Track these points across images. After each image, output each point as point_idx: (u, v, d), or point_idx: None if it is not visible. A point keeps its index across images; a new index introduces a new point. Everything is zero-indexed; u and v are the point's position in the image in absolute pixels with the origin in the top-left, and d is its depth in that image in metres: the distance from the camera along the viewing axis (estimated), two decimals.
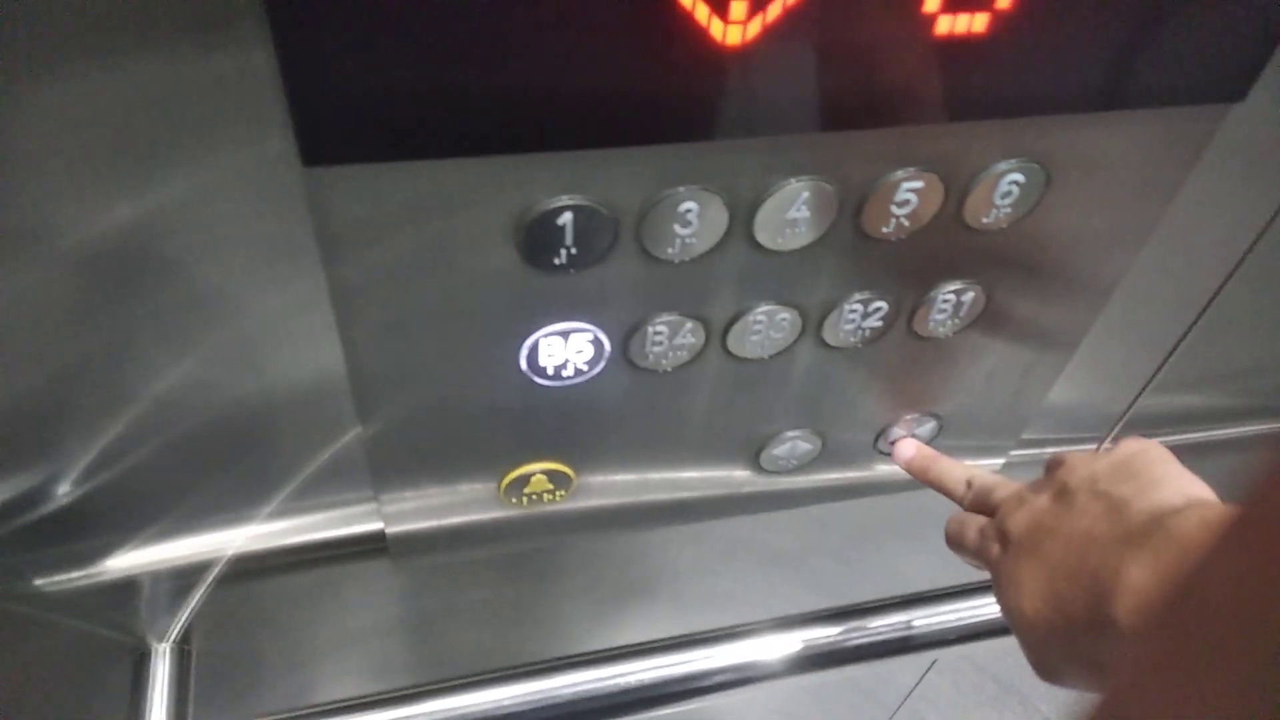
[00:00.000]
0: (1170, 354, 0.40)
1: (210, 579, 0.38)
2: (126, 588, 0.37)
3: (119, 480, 0.32)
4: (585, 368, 0.31)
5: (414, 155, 0.23)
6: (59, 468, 0.31)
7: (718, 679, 0.43)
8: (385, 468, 0.34)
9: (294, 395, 0.31)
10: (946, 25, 0.23)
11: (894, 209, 0.28)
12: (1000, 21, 0.23)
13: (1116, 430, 0.44)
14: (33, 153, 0.22)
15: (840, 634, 0.44)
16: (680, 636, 0.43)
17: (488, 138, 0.23)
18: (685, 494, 0.40)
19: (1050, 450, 0.45)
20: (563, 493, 0.37)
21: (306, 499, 0.36)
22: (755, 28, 0.22)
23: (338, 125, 0.22)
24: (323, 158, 0.23)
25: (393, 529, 0.38)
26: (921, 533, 0.45)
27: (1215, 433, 0.47)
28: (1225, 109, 0.28)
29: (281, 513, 0.37)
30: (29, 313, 0.26)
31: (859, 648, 0.44)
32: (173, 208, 0.24)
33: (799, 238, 0.28)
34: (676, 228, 0.27)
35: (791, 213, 0.28)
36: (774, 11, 0.22)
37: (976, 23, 0.23)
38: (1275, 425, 0.47)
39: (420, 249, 0.26)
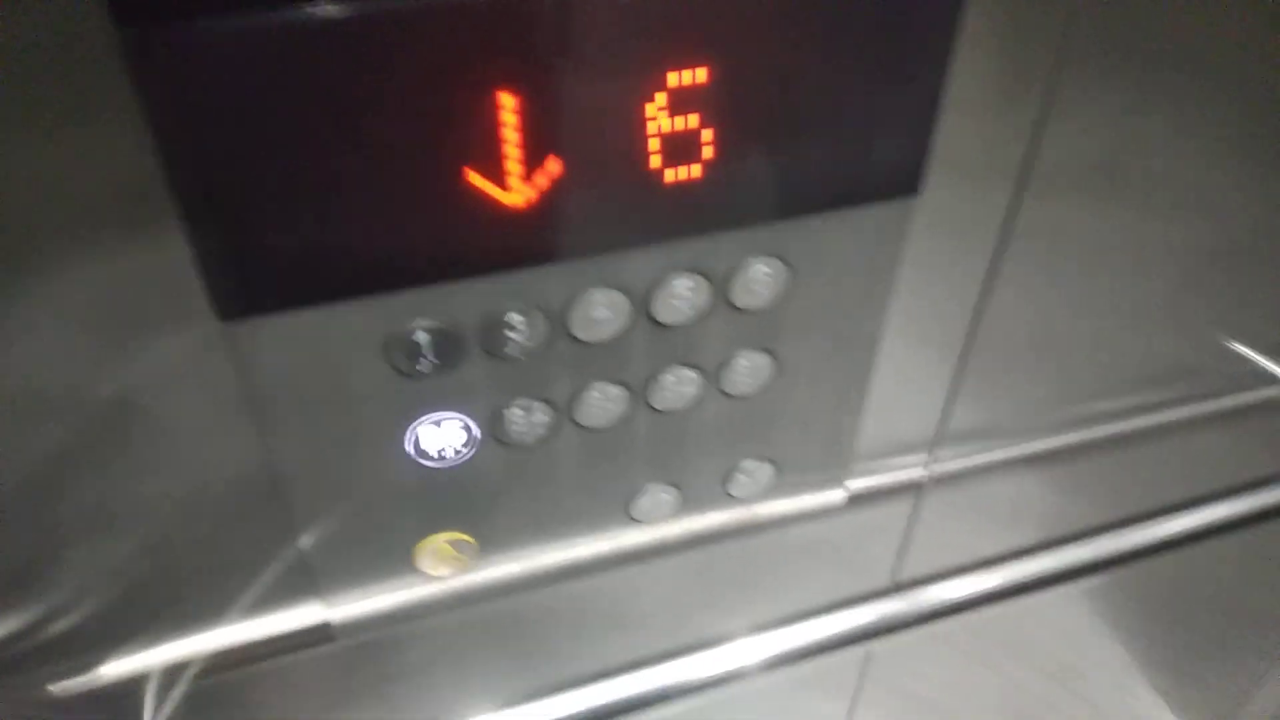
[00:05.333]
0: (953, 388, 0.49)
1: (190, 674, 0.45)
2: (120, 687, 0.44)
3: (109, 602, 0.40)
4: (462, 449, 0.40)
5: (301, 304, 0.32)
6: (58, 600, 0.39)
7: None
8: (319, 562, 0.42)
9: (243, 520, 0.39)
10: (671, 175, 0.33)
11: (676, 303, 0.38)
12: (708, 168, 0.33)
13: (934, 449, 0.53)
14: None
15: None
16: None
17: (356, 284, 0.32)
18: (578, 552, 0.48)
19: (889, 475, 0.54)
20: (467, 558, 0.45)
21: (264, 602, 0.44)
22: (532, 192, 0.32)
23: (242, 289, 0.31)
24: (233, 314, 0.32)
25: (335, 617, 0.46)
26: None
27: (1018, 448, 0.56)
28: (909, 201, 0.38)
29: (245, 614, 0.44)
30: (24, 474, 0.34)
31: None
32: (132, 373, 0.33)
33: (608, 332, 0.38)
34: (509, 334, 0.36)
35: (596, 314, 0.37)
36: (542, 181, 0.32)
37: (693, 171, 0.33)
38: (1067, 438, 0.56)
39: (316, 373, 0.35)
